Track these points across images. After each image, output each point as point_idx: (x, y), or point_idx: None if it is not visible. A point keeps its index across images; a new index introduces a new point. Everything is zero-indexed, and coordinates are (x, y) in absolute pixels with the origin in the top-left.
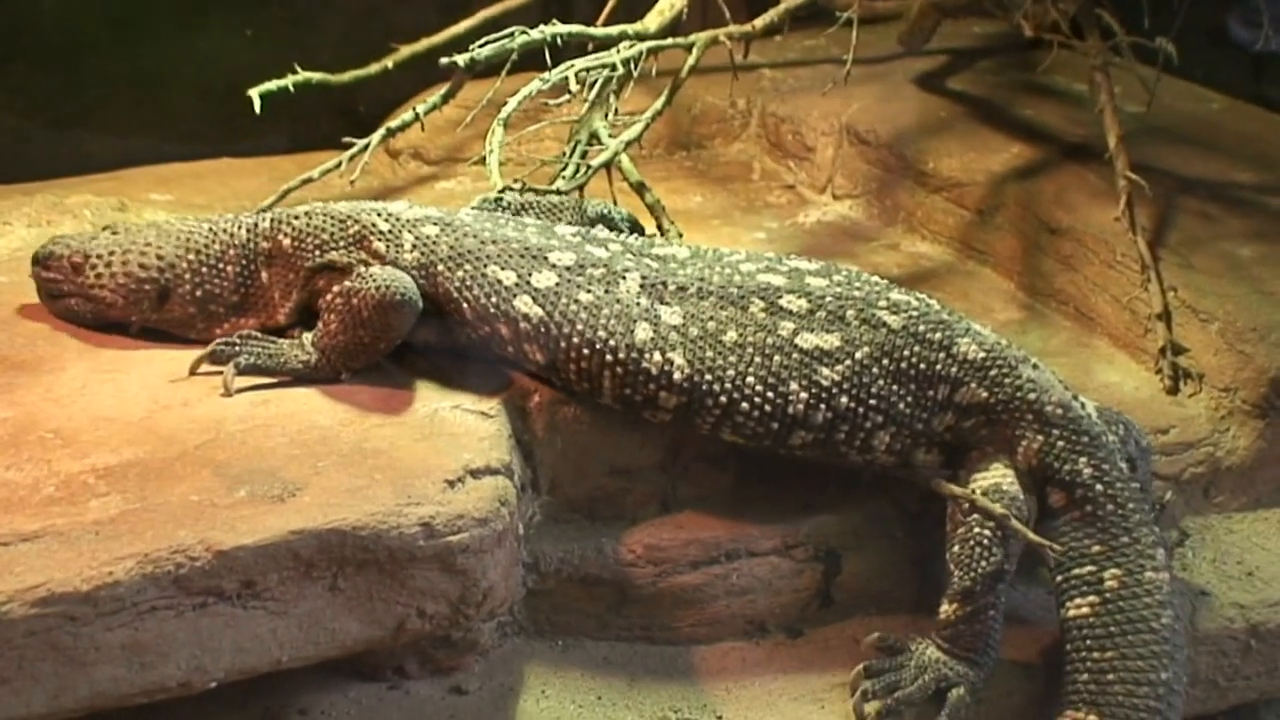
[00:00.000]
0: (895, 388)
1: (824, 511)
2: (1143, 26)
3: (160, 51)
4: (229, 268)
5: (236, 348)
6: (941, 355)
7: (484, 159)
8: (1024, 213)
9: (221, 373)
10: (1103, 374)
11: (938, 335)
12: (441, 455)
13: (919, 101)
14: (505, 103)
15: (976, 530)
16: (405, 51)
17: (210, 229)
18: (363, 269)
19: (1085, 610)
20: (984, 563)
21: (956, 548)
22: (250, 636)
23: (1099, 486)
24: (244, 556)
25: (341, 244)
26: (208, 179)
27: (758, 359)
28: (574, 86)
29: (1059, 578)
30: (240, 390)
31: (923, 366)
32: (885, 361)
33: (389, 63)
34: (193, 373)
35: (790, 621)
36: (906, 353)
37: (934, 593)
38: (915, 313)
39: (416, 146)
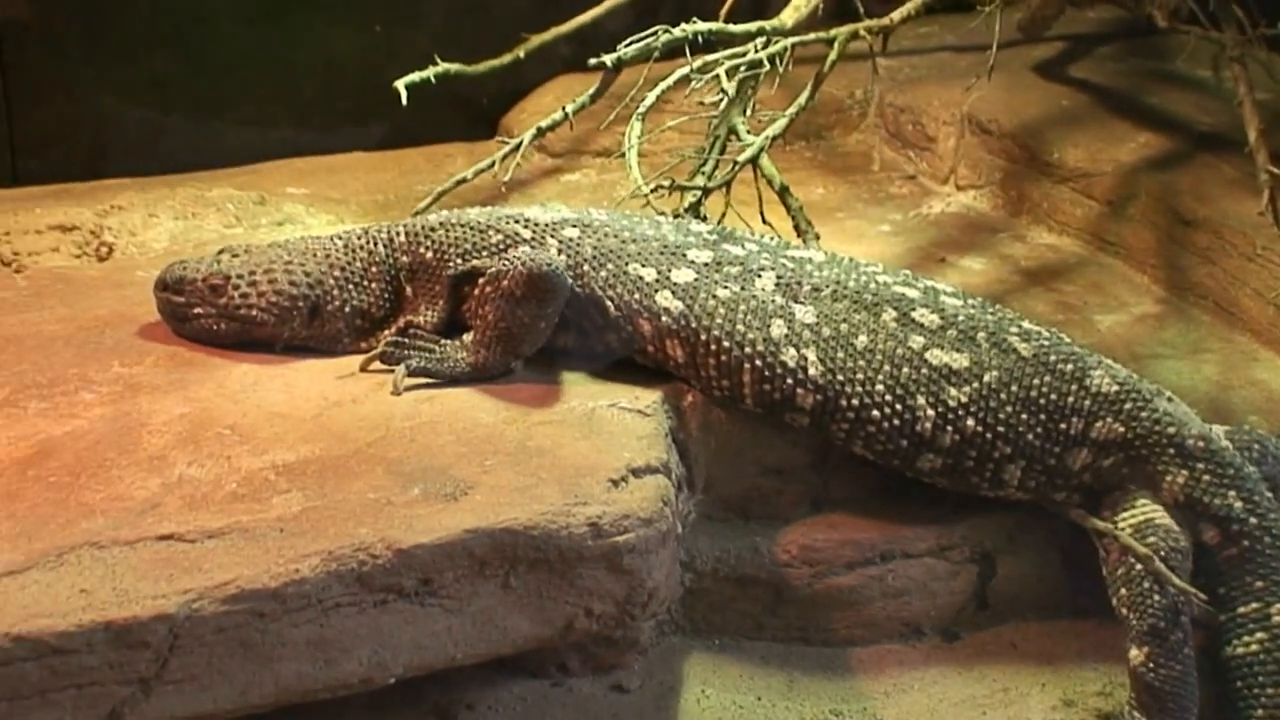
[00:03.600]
0: (1024, 416)
1: (977, 513)
2: (1275, 10)
3: (292, 44)
4: (373, 284)
5: (406, 349)
6: (1073, 387)
7: (623, 154)
8: (1157, 204)
9: (391, 371)
10: (1249, 370)
11: (1069, 367)
12: (603, 454)
13: (1040, 90)
14: (638, 96)
15: (1138, 567)
16: (535, 41)
17: (345, 244)
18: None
19: (1255, 647)
20: (1158, 597)
21: (1123, 590)
22: (428, 633)
23: (1253, 520)
24: (422, 555)
25: (484, 253)
26: (341, 173)
27: (887, 367)
28: (725, 84)
29: (1222, 616)
30: (407, 389)
31: (1054, 397)
32: (1014, 388)
33: (520, 52)
34: (363, 370)
35: (946, 624)
36: (1036, 381)
37: (1089, 597)
38: (1047, 343)
39: (540, 139)
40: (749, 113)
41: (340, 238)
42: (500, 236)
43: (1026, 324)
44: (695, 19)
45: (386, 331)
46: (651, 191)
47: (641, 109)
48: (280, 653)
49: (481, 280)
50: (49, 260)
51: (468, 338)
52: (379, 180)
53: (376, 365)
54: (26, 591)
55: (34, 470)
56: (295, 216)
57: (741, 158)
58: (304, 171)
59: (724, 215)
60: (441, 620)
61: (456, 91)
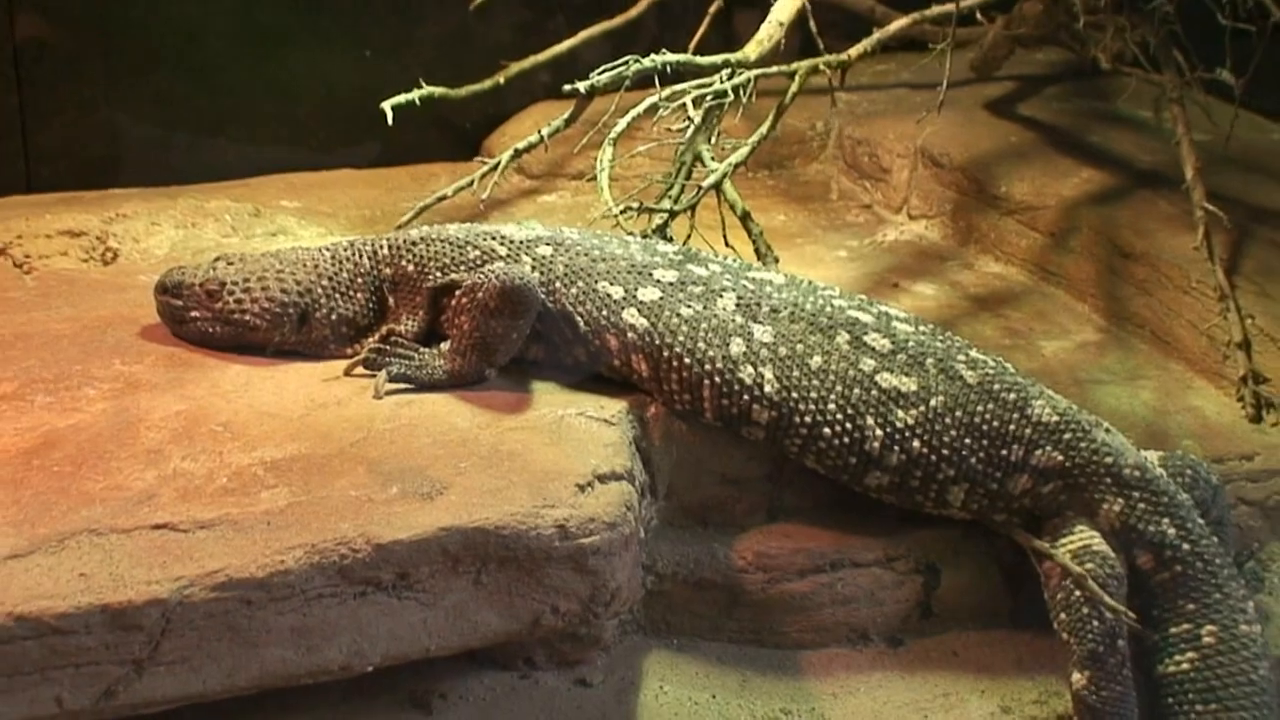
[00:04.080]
0: (968, 441)
1: (923, 527)
2: (1211, 55)
3: (288, 68)
4: (358, 293)
5: (387, 356)
6: (1015, 415)
7: (595, 177)
8: (1097, 237)
9: (374, 376)
10: (1183, 397)
11: (1012, 395)
12: (571, 459)
13: (990, 126)
14: (610, 122)
15: (1077, 594)
16: (514, 68)
17: (332, 256)
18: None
19: (1185, 666)
20: (1096, 622)
21: (1063, 615)
22: (404, 625)
23: (1185, 546)
24: (400, 550)
25: (462, 267)
26: (331, 188)
27: (839, 388)
28: (691, 112)
29: (1155, 636)
30: (388, 393)
31: (996, 424)
32: (958, 413)
33: (501, 78)
34: (347, 374)
35: (892, 631)
36: (980, 408)
37: (1027, 610)
38: (992, 371)
39: (519, 161)
40: (714, 140)
41: (328, 249)
42: (477, 252)
43: (974, 352)
44: (665, 50)
45: (370, 339)
46: (621, 213)
47: (613, 134)
48: (265, 639)
49: (458, 292)
50: (57, 263)
51: (445, 346)
52: (366, 196)
53: (360, 370)
54: (29, 574)
55: (38, 460)
56: (287, 228)
57: (706, 183)
58: (296, 186)
59: (689, 237)
60: (417, 613)
61: (442, 115)
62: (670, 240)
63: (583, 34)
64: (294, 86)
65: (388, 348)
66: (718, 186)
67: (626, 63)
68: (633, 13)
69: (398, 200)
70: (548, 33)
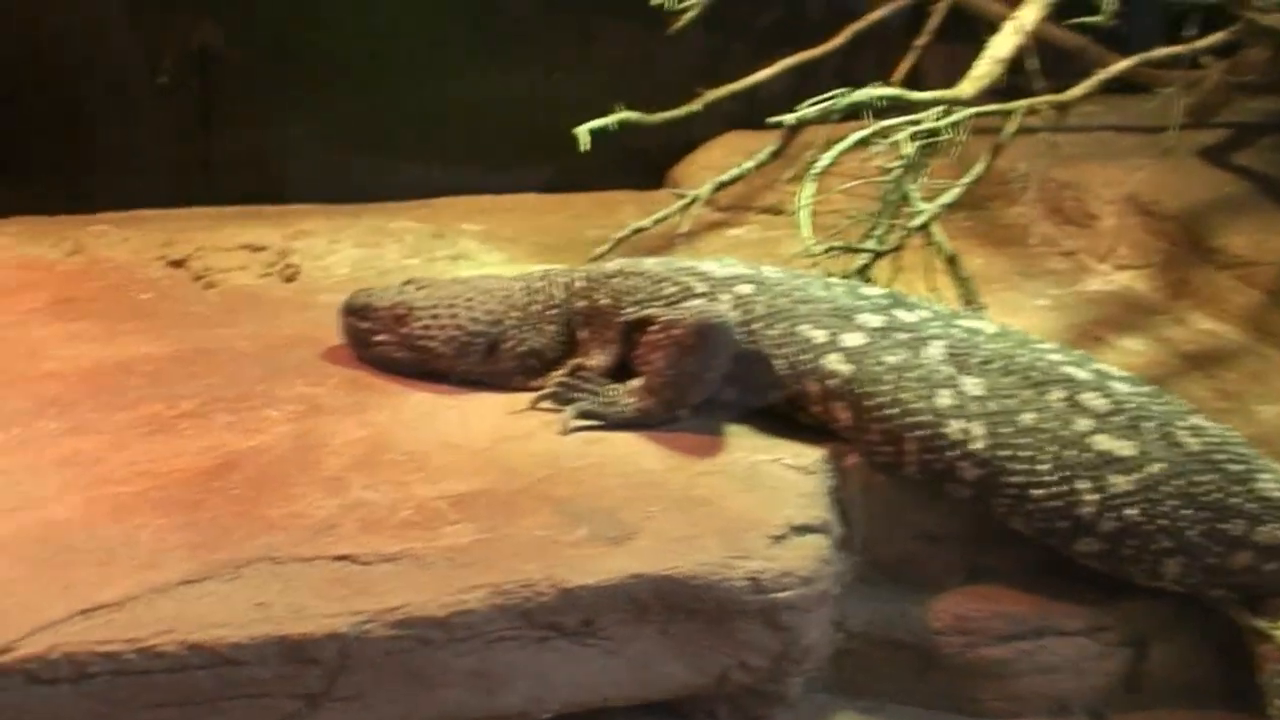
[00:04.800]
0: (1188, 512)
1: (1133, 597)
2: None
3: (465, 87)
4: (549, 326)
5: (575, 391)
6: (1239, 488)
7: (794, 212)
8: None
9: (559, 410)
10: None
11: (1237, 467)
12: (765, 509)
13: (1204, 174)
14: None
15: None
16: (709, 95)
17: (524, 286)
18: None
19: None
20: None
21: (1277, 701)
22: (585, 673)
23: None
24: (586, 596)
25: (659, 302)
26: (514, 213)
27: (1052, 448)
28: (906, 149)
29: None
30: (574, 430)
31: (1219, 496)
32: (1179, 482)
33: (697, 105)
34: (532, 407)
35: (1094, 705)
36: (1202, 479)
37: (1246, 687)
38: (1215, 440)
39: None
40: (920, 180)
41: (521, 280)
42: (675, 288)
43: (1196, 418)
44: (879, 83)
45: (556, 371)
46: (824, 252)
47: (816, 169)
48: (443, 680)
49: (653, 328)
50: (236, 278)
51: (635, 383)
52: (549, 222)
53: (546, 404)
54: (203, 601)
55: (218, 482)
56: (470, 252)
57: (913, 224)
58: (477, 209)
59: (892, 280)
60: (599, 661)
61: (623, 140)
62: (870, 282)
63: (779, 64)
64: (471, 106)
65: (576, 382)
66: (926, 228)
67: (836, 96)
68: (832, 45)
69: (582, 227)
70: (730, 60)
